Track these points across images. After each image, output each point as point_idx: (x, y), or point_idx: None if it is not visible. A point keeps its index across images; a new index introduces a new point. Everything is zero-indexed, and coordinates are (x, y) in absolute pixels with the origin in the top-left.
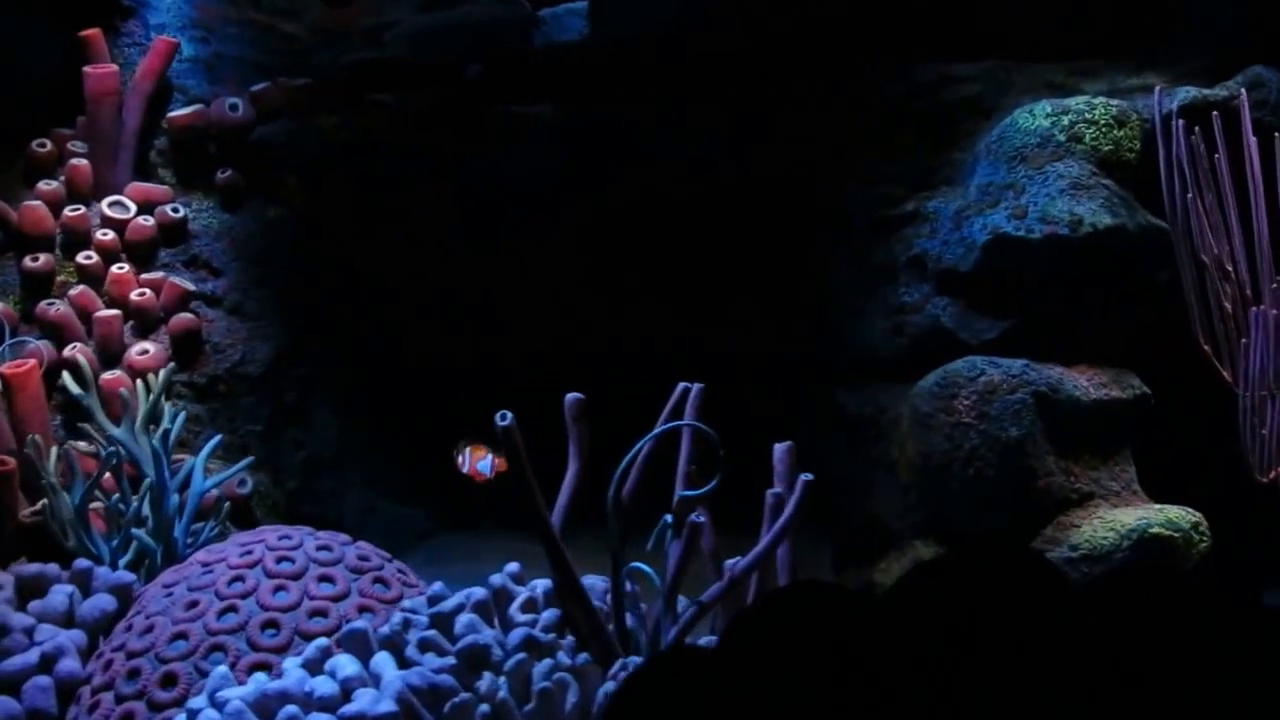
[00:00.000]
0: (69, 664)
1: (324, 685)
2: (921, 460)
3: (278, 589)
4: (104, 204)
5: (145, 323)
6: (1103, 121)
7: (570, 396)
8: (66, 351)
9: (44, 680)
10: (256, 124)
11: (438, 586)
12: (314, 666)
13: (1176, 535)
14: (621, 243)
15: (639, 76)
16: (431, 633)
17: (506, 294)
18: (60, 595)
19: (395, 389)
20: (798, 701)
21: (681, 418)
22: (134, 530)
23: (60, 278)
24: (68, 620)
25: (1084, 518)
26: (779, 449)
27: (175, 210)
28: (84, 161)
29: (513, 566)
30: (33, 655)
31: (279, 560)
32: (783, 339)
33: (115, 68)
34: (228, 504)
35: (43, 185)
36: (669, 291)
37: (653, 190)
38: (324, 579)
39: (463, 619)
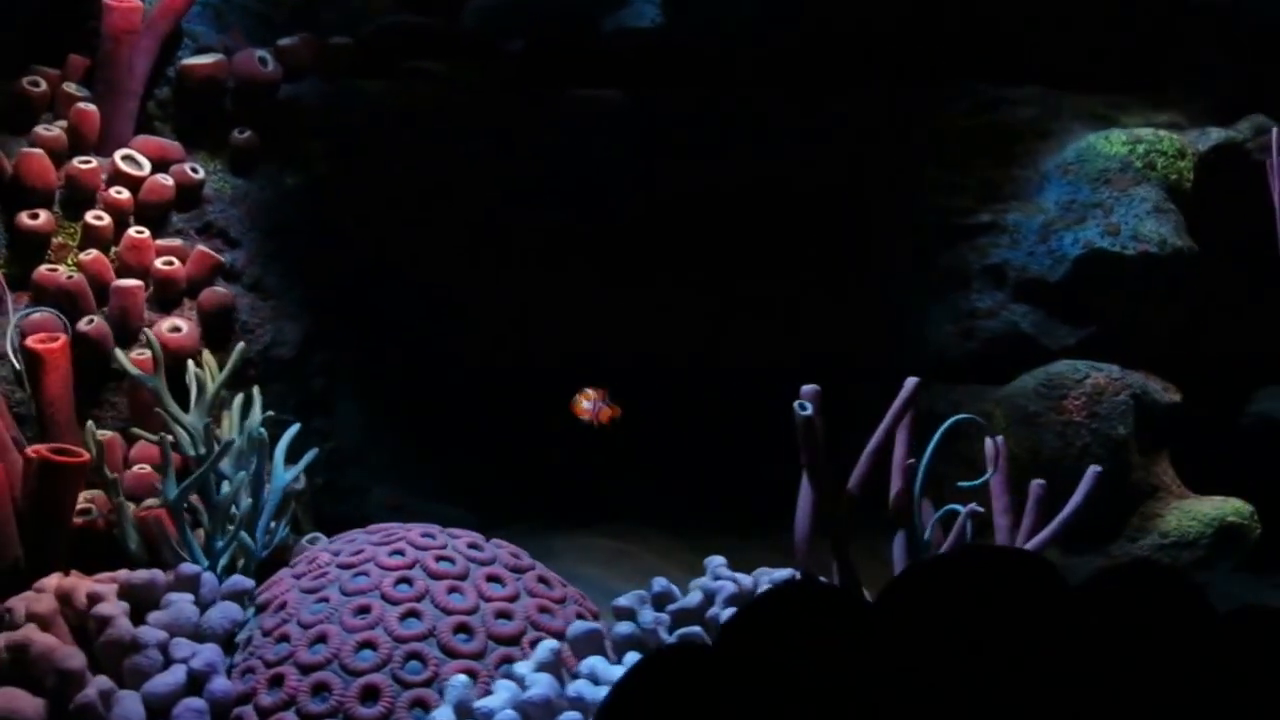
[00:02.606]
0: (221, 683)
1: (590, 690)
2: (1029, 456)
3: (451, 590)
4: (116, 157)
5: (168, 296)
6: (1170, 152)
7: (806, 388)
8: (82, 325)
9: (197, 703)
10: (281, 82)
11: (663, 583)
12: (552, 669)
13: (1244, 523)
14: (678, 235)
15: (707, 69)
16: (696, 629)
17: (554, 286)
18: (186, 605)
19: (423, 381)
20: (793, 701)
21: (908, 413)
22: (235, 529)
23: (57, 239)
24: (197, 633)
25: (1160, 510)
26: (991, 444)
27: (194, 170)
28: (92, 107)
29: (717, 559)
30: (179, 674)
31: (438, 560)
32: (838, 338)
33: (140, 3)
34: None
35: (43, 130)
36: (722, 287)
37: (713, 185)
38: (492, 579)
39: (714, 613)
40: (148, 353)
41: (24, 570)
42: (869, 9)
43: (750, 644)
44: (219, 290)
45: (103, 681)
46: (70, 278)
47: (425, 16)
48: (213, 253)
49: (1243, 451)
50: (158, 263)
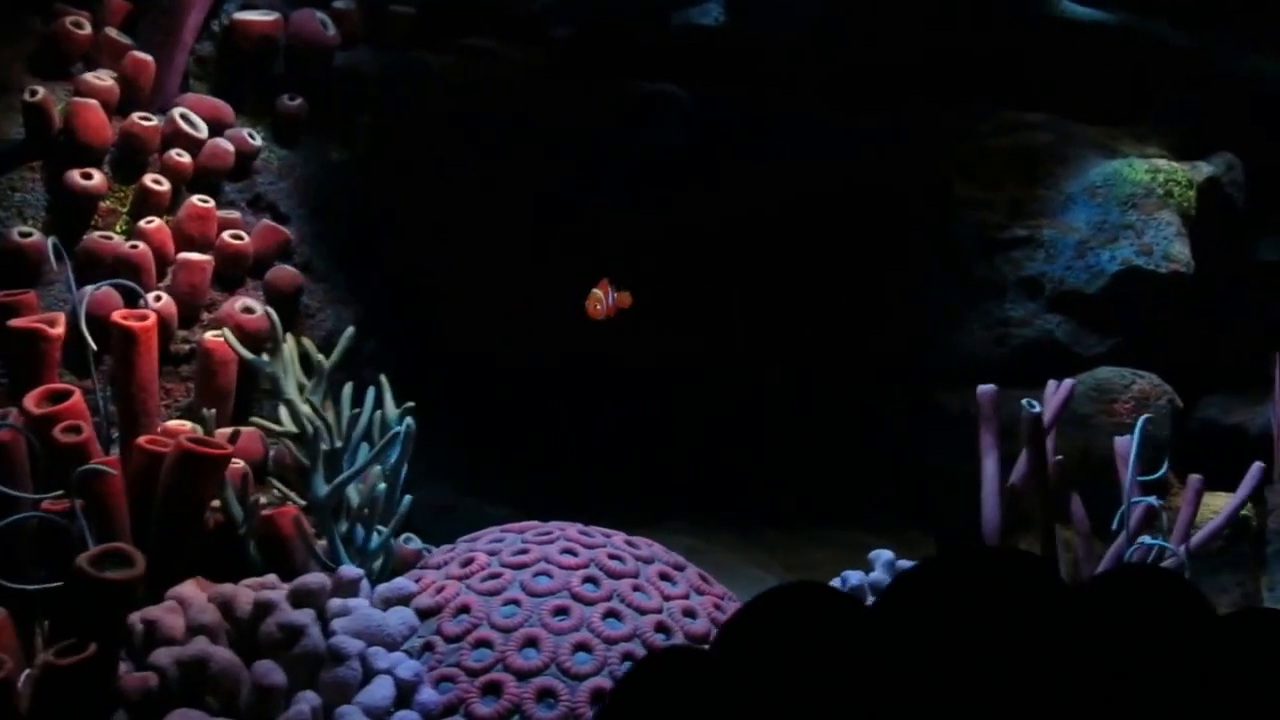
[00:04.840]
0: (429, 694)
1: None
2: (1079, 455)
3: (635, 589)
4: (176, 115)
5: (233, 273)
6: (1182, 182)
7: (983, 388)
8: (150, 301)
9: (411, 716)
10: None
11: (859, 576)
12: None
13: (1250, 516)
14: (723, 234)
15: (762, 73)
16: None
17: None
18: (374, 612)
19: (463, 375)
20: (792, 703)
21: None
22: (381, 529)
23: (105, 203)
24: (383, 642)
25: (1177, 504)
26: (1120, 443)
27: (251, 137)
28: (148, 57)
29: (885, 554)
30: (388, 686)
31: (610, 558)
32: (872, 341)
33: None
34: None
35: (94, 79)
36: (762, 287)
37: (759, 187)
38: (664, 577)
39: None
40: (224, 334)
41: (152, 577)
42: (906, 31)
43: (749, 646)
44: (290, 269)
45: (311, 697)
46: (135, 247)
47: None
48: (280, 228)
49: (1191, 455)
50: (226, 235)
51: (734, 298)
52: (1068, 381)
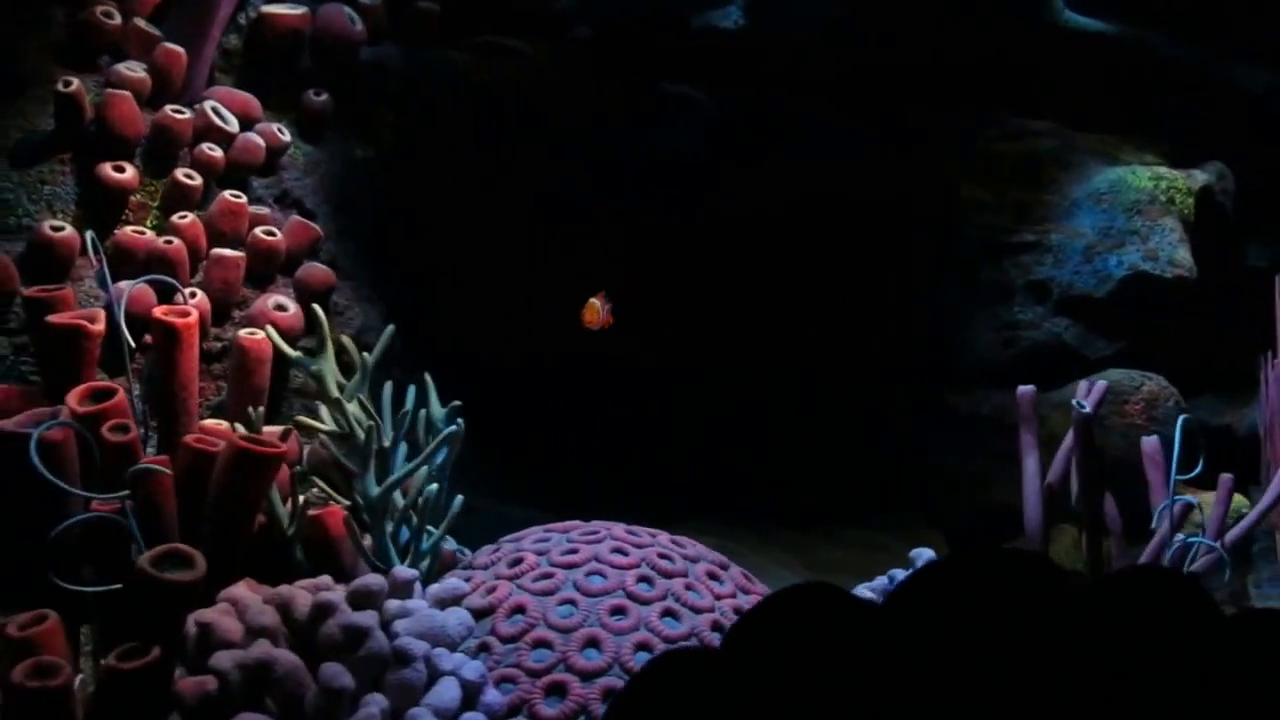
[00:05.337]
0: (494, 695)
1: None
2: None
3: (688, 588)
4: (207, 108)
5: (264, 270)
6: (1183, 189)
7: (1023, 390)
8: (184, 298)
9: (476, 718)
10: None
11: (928, 554)
12: None
13: (1242, 510)
14: (737, 235)
15: (778, 75)
16: None
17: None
18: (435, 613)
19: (478, 376)
20: (799, 704)
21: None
22: (431, 530)
23: (135, 198)
24: (444, 643)
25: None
26: (1148, 443)
27: (281, 132)
28: (180, 49)
29: (926, 551)
30: (454, 688)
31: (661, 557)
32: (881, 341)
33: None
34: None
35: (126, 70)
36: (774, 288)
37: (774, 188)
38: (711, 576)
39: None
40: (261, 333)
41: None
42: (915, 38)
43: (757, 647)
44: (322, 267)
45: (380, 700)
46: (169, 243)
47: None
48: (311, 224)
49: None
50: (259, 231)
51: (743, 298)
52: (1100, 383)
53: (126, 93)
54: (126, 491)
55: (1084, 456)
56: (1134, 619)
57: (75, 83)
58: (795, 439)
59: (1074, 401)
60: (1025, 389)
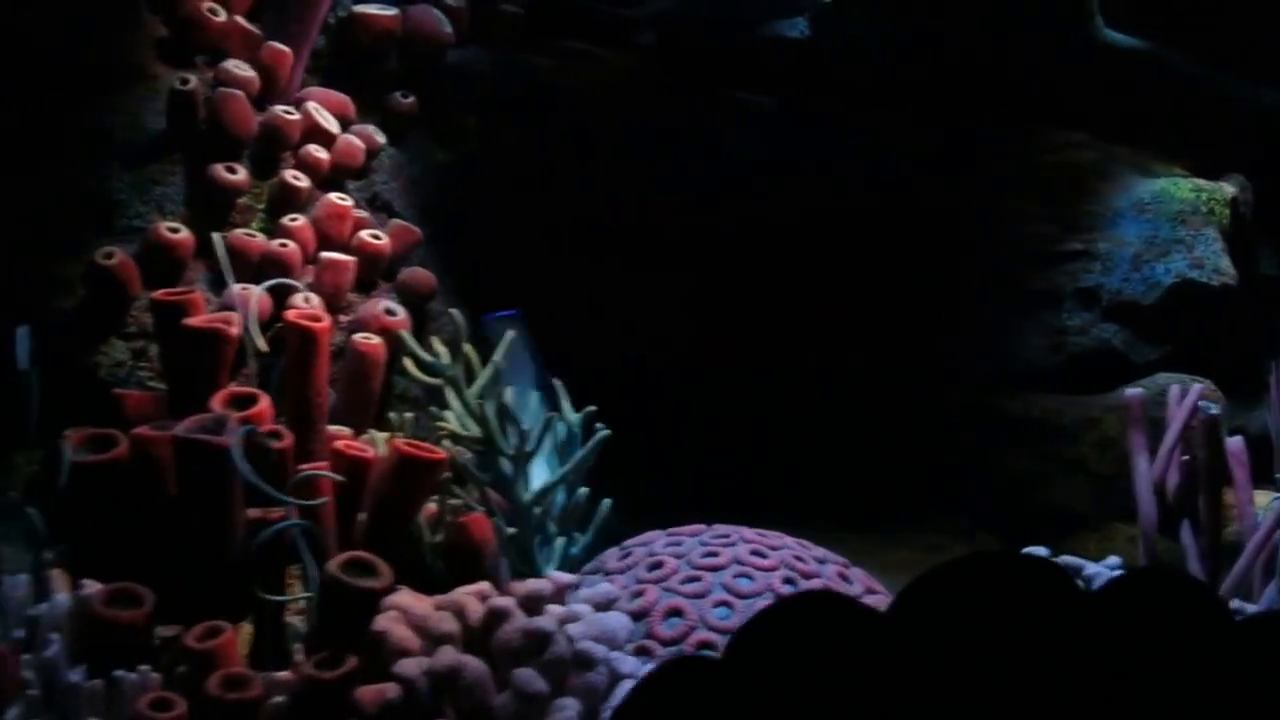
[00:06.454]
0: None
1: None
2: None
3: (827, 587)
4: (311, 109)
5: (369, 274)
6: (1221, 200)
7: (1132, 392)
8: (299, 302)
9: None
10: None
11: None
12: None
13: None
14: (796, 243)
15: (840, 85)
16: None
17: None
18: (608, 616)
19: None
20: (801, 712)
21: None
22: (592, 535)
23: (241, 199)
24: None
25: (1229, 500)
26: (1233, 443)
27: (377, 134)
28: (286, 49)
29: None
30: None
31: (796, 559)
32: (930, 346)
33: None
34: None
35: (234, 68)
36: (824, 296)
37: (834, 196)
38: (842, 577)
39: None
40: (374, 337)
41: None
42: (966, 54)
43: (760, 655)
44: (424, 271)
45: (573, 704)
46: (284, 245)
47: None
48: (414, 228)
49: None
50: (363, 235)
51: (800, 304)
52: (1196, 387)
53: (239, 92)
54: (325, 499)
55: (1210, 458)
56: (1144, 623)
57: (193, 80)
58: (849, 443)
59: (1200, 404)
60: (1134, 392)
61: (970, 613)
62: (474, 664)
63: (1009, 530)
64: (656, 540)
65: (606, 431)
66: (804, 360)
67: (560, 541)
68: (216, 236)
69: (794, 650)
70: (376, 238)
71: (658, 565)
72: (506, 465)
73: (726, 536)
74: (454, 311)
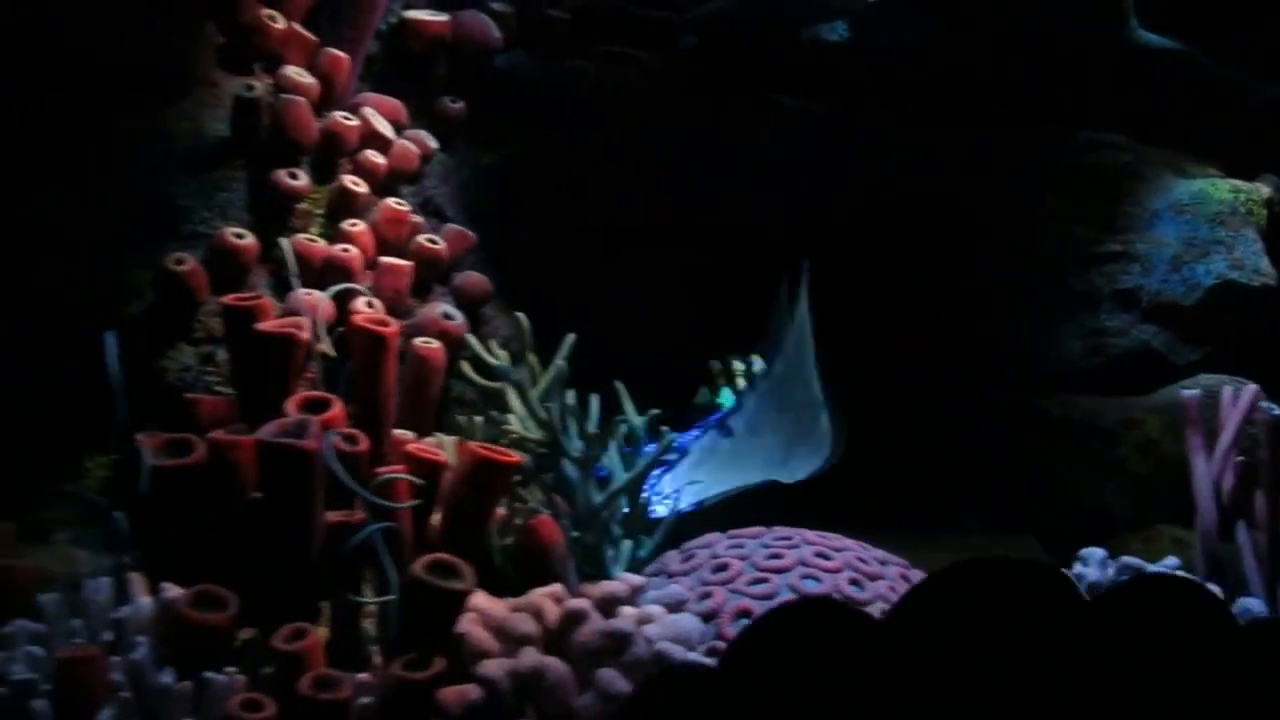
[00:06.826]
0: None
1: None
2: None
3: (890, 589)
4: (368, 114)
5: (426, 278)
6: (1259, 201)
7: (1189, 394)
8: (362, 307)
9: None
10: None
11: (1100, 553)
12: None
13: None
14: (835, 247)
15: (881, 88)
16: None
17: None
18: (684, 619)
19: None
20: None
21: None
22: (660, 538)
23: (301, 205)
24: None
25: None
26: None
27: (429, 139)
28: (343, 54)
29: (1098, 551)
30: None
31: (860, 560)
32: (964, 347)
33: None
34: None
35: (295, 74)
36: (863, 297)
37: (870, 195)
38: (904, 578)
39: None
40: (435, 342)
41: None
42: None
43: (757, 661)
44: (480, 275)
45: None
46: (346, 250)
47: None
48: (468, 233)
49: None
50: (421, 239)
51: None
52: (1250, 388)
53: (302, 99)
54: (417, 501)
55: (1272, 458)
56: (1146, 628)
57: (259, 87)
58: (886, 444)
59: (1263, 405)
60: (1191, 393)
61: (969, 618)
62: (557, 665)
63: (1050, 532)
64: (718, 542)
65: (675, 435)
66: (840, 361)
67: (627, 544)
68: (285, 242)
69: (791, 656)
70: (433, 242)
71: (722, 567)
72: (570, 468)
73: (789, 538)
74: (519, 315)
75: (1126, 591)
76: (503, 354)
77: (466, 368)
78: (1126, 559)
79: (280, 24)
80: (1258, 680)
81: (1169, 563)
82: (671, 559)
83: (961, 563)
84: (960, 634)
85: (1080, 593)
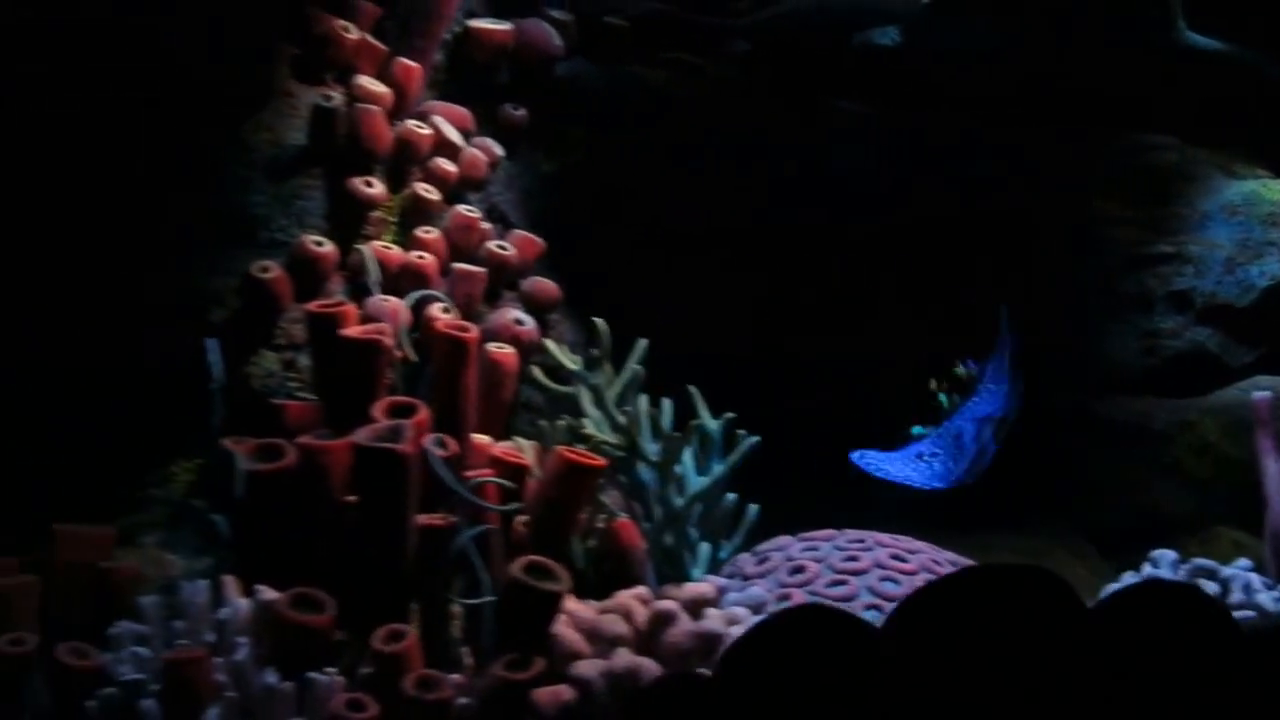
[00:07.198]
0: None
1: None
2: (1248, 459)
3: None
4: (439, 122)
5: (494, 284)
6: None
7: (1259, 395)
8: (438, 313)
9: None
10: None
11: (1171, 555)
12: None
13: None
14: (887, 249)
15: (931, 92)
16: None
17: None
18: (761, 619)
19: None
20: None
21: None
22: (740, 539)
23: (374, 212)
24: None
25: None
26: None
27: (495, 146)
28: (415, 64)
29: (1169, 554)
30: None
31: (934, 562)
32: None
33: None
34: None
35: (369, 84)
36: (917, 300)
37: (924, 199)
38: None
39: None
40: (508, 347)
41: None
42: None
43: (751, 671)
44: (549, 281)
45: None
46: (422, 257)
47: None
48: (537, 239)
49: None
50: (491, 246)
51: (894, 308)
52: None
53: (377, 108)
54: (517, 505)
55: None
56: (1146, 635)
57: (337, 97)
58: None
59: None
60: (1262, 395)
61: (968, 626)
62: (651, 665)
63: (1107, 534)
64: (791, 545)
65: (755, 439)
66: (896, 364)
67: (705, 547)
68: (366, 249)
69: (786, 664)
70: (503, 248)
71: (799, 570)
72: (646, 471)
73: (862, 541)
74: (598, 321)
75: (1127, 598)
76: (575, 358)
77: (537, 372)
78: (1199, 560)
79: (353, 35)
80: (1260, 687)
81: (1241, 564)
82: (745, 561)
83: (961, 569)
84: (958, 641)
85: (1080, 599)
